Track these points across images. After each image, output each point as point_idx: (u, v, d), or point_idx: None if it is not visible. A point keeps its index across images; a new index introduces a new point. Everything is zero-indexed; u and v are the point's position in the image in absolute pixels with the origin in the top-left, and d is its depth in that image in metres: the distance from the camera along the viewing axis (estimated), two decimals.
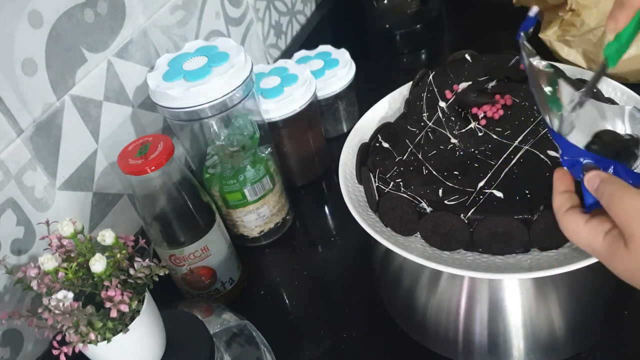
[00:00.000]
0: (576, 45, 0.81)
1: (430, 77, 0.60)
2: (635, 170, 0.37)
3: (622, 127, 0.39)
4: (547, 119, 0.40)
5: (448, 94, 0.57)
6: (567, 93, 0.39)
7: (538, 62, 0.41)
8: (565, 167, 0.39)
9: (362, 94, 0.86)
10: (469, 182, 0.48)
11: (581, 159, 0.38)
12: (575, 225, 0.38)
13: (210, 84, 0.58)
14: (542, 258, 0.45)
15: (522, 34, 0.43)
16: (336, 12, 1.09)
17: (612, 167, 0.37)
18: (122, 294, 0.42)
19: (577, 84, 0.43)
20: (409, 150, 0.53)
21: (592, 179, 0.37)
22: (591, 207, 0.37)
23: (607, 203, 0.35)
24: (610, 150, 0.38)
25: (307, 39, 1.01)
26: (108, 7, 0.61)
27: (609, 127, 0.39)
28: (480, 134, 0.53)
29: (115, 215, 0.65)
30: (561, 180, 0.40)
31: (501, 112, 0.54)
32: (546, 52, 0.84)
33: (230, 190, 0.66)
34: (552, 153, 0.48)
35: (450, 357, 0.55)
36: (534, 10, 0.44)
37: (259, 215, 0.69)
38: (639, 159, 0.38)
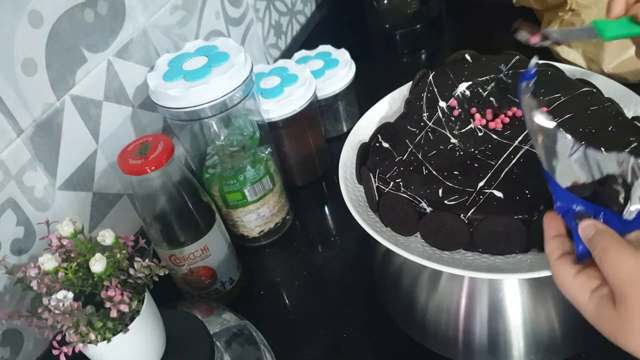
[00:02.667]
0: (576, 45, 0.81)
1: (430, 77, 0.60)
2: (624, 218, 0.36)
3: (619, 174, 0.38)
4: (546, 168, 0.40)
5: (453, 102, 0.57)
6: (564, 144, 0.39)
7: (539, 117, 0.40)
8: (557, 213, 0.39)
9: (362, 94, 0.86)
10: (469, 182, 0.48)
11: (574, 206, 0.37)
12: (564, 277, 0.36)
13: (210, 84, 0.58)
14: (542, 258, 0.45)
15: (523, 84, 0.42)
16: (336, 12, 1.09)
17: (603, 213, 0.36)
18: (122, 294, 0.42)
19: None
20: (409, 150, 0.53)
21: (586, 229, 0.36)
22: (582, 257, 0.36)
23: (600, 258, 0.34)
24: (601, 197, 0.38)
25: (307, 39, 1.01)
26: (108, 7, 0.61)
27: (605, 175, 0.38)
28: (480, 134, 0.53)
29: (115, 215, 0.65)
30: (552, 224, 0.39)
31: (500, 125, 0.53)
32: (546, 52, 0.84)
33: (230, 190, 0.66)
34: None
35: (450, 357, 0.55)
36: (533, 61, 0.43)
37: (259, 215, 0.69)
38: (629, 205, 0.37)
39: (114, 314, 0.41)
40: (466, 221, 0.46)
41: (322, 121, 0.82)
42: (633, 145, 0.48)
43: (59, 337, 0.41)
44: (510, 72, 0.58)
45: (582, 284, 0.35)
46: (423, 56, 1.03)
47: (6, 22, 0.50)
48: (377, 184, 0.51)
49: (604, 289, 0.34)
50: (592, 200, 0.38)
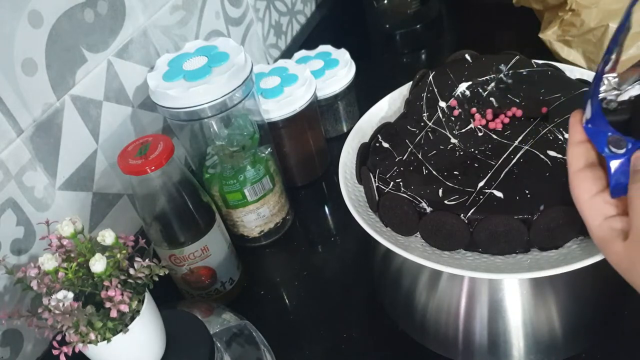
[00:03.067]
0: (576, 45, 0.81)
1: (430, 77, 0.60)
2: None
3: None
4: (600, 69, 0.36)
5: (453, 102, 0.57)
6: None
7: None
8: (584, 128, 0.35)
9: (362, 94, 0.86)
10: (469, 182, 0.48)
11: (607, 132, 0.34)
12: (580, 193, 0.34)
13: (210, 84, 0.58)
14: (542, 258, 0.45)
15: None
16: (336, 12, 1.09)
17: (631, 144, 0.34)
18: (122, 294, 0.42)
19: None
20: (409, 150, 0.53)
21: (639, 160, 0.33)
22: (616, 191, 0.33)
23: (635, 195, 0.32)
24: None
25: (307, 39, 1.01)
26: (108, 7, 0.61)
27: None
28: (480, 134, 0.53)
29: (115, 215, 0.65)
30: (578, 128, 0.35)
31: (500, 125, 0.53)
32: (546, 52, 0.84)
33: (230, 190, 0.66)
34: (552, 153, 0.48)
35: (450, 357, 0.55)
36: None
37: (259, 215, 0.69)
38: None
39: (114, 314, 0.41)
40: (466, 221, 0.46)
41: (322, 121, 0.82)
42: None
43: (59, 337, 0.41)
44: (510, 72, 0.58)
45: (597, 207, 0.34)
46: (423, 56, 1.03)
47: (6, 22, 0.50)
48: (377, 184, 0.51)
49: (619, 222, 0.33)
50: (624, 130, 0.34)
